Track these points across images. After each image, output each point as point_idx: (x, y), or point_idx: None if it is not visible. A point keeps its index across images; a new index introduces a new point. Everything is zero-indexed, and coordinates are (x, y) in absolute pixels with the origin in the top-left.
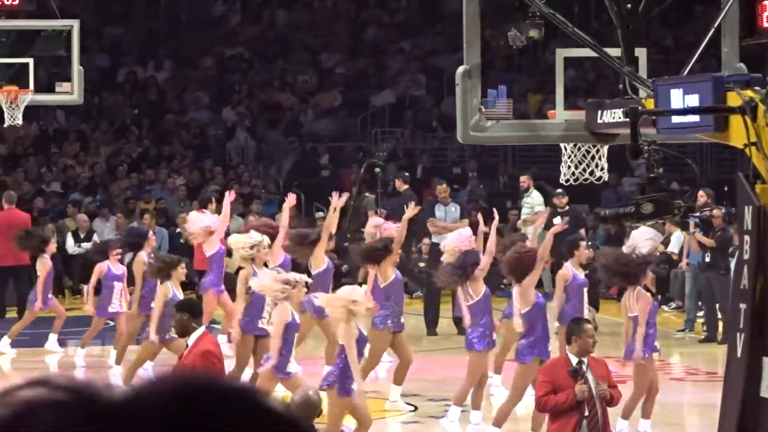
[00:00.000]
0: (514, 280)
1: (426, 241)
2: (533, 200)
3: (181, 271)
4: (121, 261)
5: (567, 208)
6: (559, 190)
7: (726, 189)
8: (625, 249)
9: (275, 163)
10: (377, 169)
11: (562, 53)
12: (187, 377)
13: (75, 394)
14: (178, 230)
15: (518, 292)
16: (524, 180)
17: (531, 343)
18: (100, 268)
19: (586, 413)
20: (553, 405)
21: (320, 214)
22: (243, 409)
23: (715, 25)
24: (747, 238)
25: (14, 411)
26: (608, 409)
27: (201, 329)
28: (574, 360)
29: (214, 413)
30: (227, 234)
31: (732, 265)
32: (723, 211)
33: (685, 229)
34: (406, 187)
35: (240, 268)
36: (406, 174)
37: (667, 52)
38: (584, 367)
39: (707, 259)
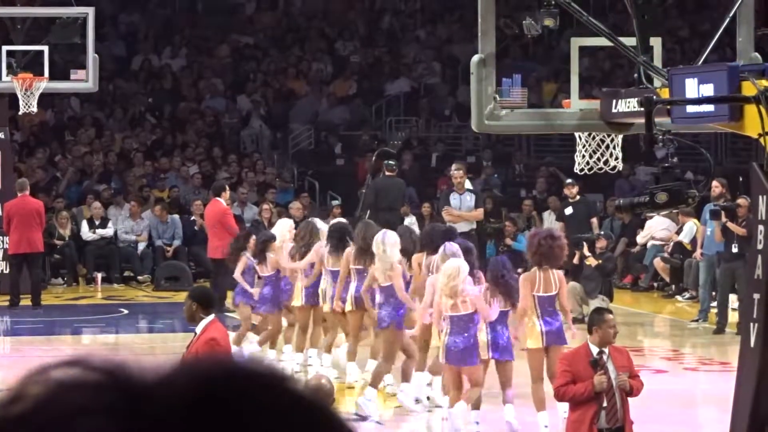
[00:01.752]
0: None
1: None
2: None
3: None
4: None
5: (578, 198)
6: (569, 180)
7: (741, 179)
8: (639, 239)
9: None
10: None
11: (577, 42)
12: (217, 360)
13: (107, 374)
14: (192, 218)
15: None
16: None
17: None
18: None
19: (605, 404)
20: (572, 395)
21: (335, 202)
22: (271, 395)
23: (731, 14)
24: (761, 227)
25: (47, 390)
26: (629, 399)
27: (209, 317)
28: (594, 350)
29: (242, 398)
30: (242, 220)
31: None
32: (749, 200)
33: (700, 219)
34: (391, 174)
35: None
36: (391, 163)
37: (682, 41)
38: (605, 358)
39: (734, 249)
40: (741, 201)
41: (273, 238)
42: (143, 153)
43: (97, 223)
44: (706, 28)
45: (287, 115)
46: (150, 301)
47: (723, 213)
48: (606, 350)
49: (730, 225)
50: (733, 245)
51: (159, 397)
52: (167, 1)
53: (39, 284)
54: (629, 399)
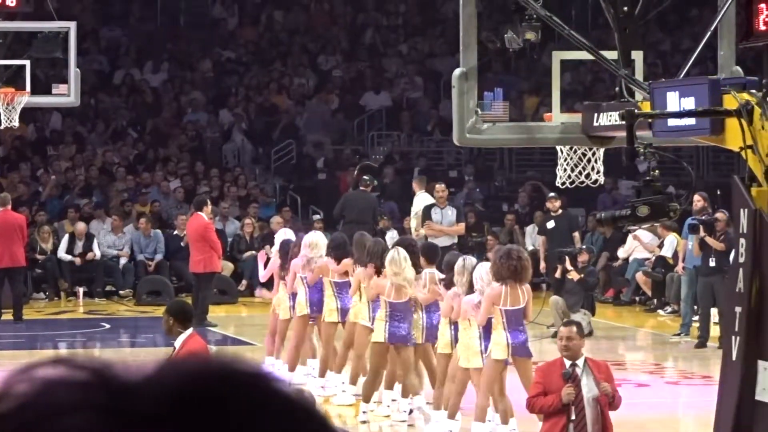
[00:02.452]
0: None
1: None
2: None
3: None
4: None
5: (560, 211)
6: (552, 194)
7: (721, 193)
8: (622, 253)
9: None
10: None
11: (558, 56)
12: (205, 359)
13: (93, 373)
14: (175, 232)
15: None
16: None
17: None
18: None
19: (573, 417)
20: (540, 407)
21: (317, 216)
22: (257, 393)
23: (712, 28)
24: (743, 241)
25: (33, 389)
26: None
27: (188, 332)
28: (567, 363)
29: (228, 396)
30: (224, 235)
31: None
32: (727, 215)
33: (681, 233)
34: (365, 189)
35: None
36: (366, 178)
37: (663, 55)
38: (578, 370)
39: (711, 264)
40: (719, 215)
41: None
42: (125, 167)
43: (80, 242)
44: (687, 42)
45: (269, 130)
46: (132, 316)
47: (701, 227)
48: (580, 363)
49: (708, 239)
50: (710, 259)
51: (146, 395)
52: (149, 15)
53: (21, 299)
54: (610, 413)
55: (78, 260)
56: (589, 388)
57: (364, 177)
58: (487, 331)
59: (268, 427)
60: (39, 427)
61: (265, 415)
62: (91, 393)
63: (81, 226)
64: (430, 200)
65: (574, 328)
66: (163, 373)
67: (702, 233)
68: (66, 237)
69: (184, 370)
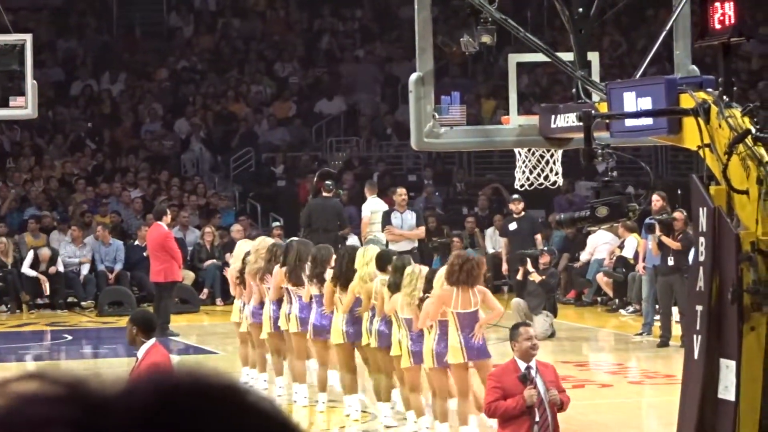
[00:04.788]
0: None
1: None
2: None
3: None
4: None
5: (523, 213)
6: (515, 196)
7: (681, 192)
8: (583, 257)
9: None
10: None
11: (515, 58)
12: (177, 372)
13: (68, 387)
14: (135, 242)
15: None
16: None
17: None
18: None
19: (537, 418)
20: (503, 411)
21: (276, 224)
22: (230, 406)
23: (667, 27)
24: (702, 239)
25: (7, 404)
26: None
27: (150, 342)
28: (522, 365)
29: (202, 409)
30: (184, 244)
31: None
32: (685, 214)
33: (641, 233)
34: (328, 195)
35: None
36: (329, 183)
37: (620, 56)
38: (533, 372)
39: (670, 263)
40: (677, 214)
41: None
42: (84, 179)
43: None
44: (643, 42)
45: (228, 138)
46: (94, 327)
47: (656, 226)
48: (533, 365)
49: (664, 239)
50: (669, 258)
51: (118, 409)
52: (105, 26)
53: None
54: (558, 414)
55: (43, 277)
56: (544, 390)
57: (327, 183)
58: (443, 335)
59: None
60: None
61: (239, 429)
62: (65, 408)
63: (45, 251)
64: (381, 205)
65: (532, 329)
66: (136, 389)
67: (658, 233)
68: (30, 253)
69: (158, 385)
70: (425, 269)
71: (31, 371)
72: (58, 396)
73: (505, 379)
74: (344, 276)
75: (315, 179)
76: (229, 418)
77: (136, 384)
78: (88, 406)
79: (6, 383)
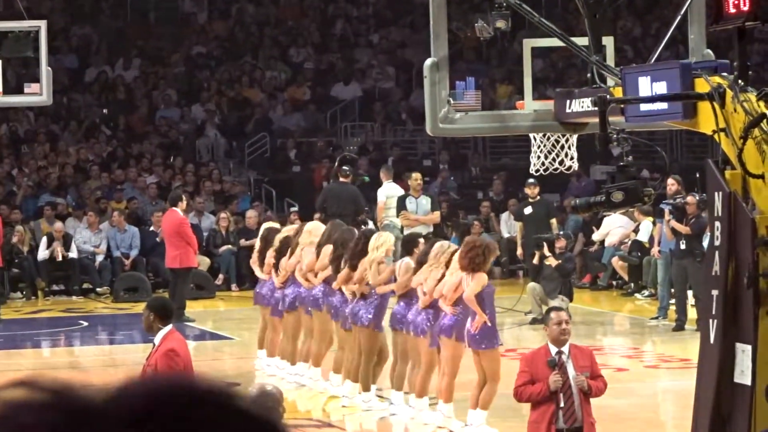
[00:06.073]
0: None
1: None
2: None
3: None
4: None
5: (538, 198)
6: (531, 180)
7: (697, 176)
8: (596, 237)
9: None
10: (366, 178)
11: (529, 43)
12: (163, 378)
13: (54, 394)
14: (151, 228)
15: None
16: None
17: None
18: None
19: (562, 404)
20: (528, 395)
21: (293, 209)
22: (215, 410)
23: (682, 12)
24: (718, 224)
25: None
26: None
27: (167, 328)
28: (553, 350)
29: (187, 414)
30: (199, 230)
31: None
32: (697, 198)
33: (656, 217)
34: (345, 180)
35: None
36: (345, 168)
37: (634, 40)
38: (564, 357)
39: (682, 246)
40: (689, 198)
41: None
42: (99, 165)
43: (58, 243)
44: (658, 26)
45: (242, 124)
46: (109, 313)
47: (666, 211)
48: (566, 350)
49: (674, 223)
50: (681, 242)
51: (102, 415)
52: (119, 12)
53: None
54: (591, 399)
55: (59, 256)
56: (573, 375)
57: (344, 168)
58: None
59: None
60: None
61: None
62: (49, 414)
63: (59, 225)
64: (397, 190)
65: (564, 314)
66: (123, 394)
67: (668, 217)
68: (44, 239)
69: (143, 390)
70: (453, 246)
71: (18, 378)
72: (43, 403)
73: (535, 364)
74: (358, 258)
75: (336, 164)
76: (215, 424)
77: (123, 389)
78: (71, 412)
79: None
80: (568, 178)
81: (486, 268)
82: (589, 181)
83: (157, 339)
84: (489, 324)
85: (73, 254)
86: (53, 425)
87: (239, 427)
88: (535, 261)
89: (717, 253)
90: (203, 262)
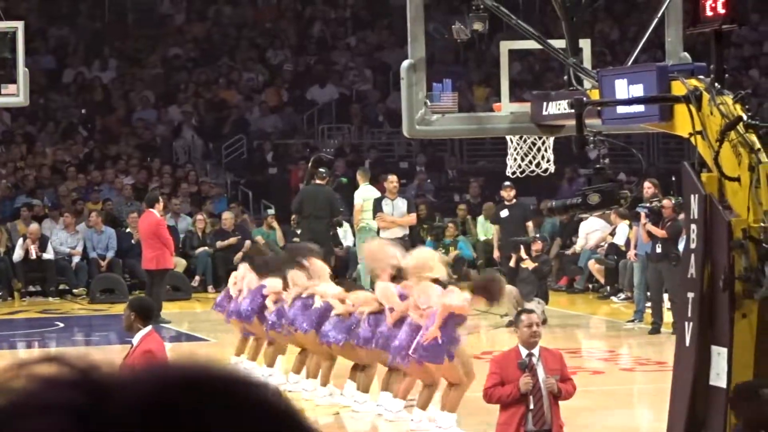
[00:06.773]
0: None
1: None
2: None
3: None
4: None
5: (514, 201)
6: (507, 183)
7: (673, 179)
8: (578, 247)
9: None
10: (344, 180)
11: (506, 46)
12: (182, 365)
13: (82, 374)
14: (127, 230)
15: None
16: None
17: None
18: None
19: (532, 406)
20: (498, 397)
21: (270, 211)
22: (232, 397)
23: (659, 14)
24: (694, 227)
25: (25, 387)
26: (559, 402)
27: (146, 329)
28: (524, 352)
29: (201, 400)
30: (176, 231)
31: None
32: (673, 201)
33: (633, 220)
34: (321, 182)
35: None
36: (321, 170)
37: (611, 43)
38: (534, 360)
39: (658, 250)
40: (665, 202)
41: None
42: (76, 166)
43: (34, 247)
44: (635, 29)
45: (219, 125)
46: (86, 314)
47: (642, 214)
48: (536, 352)
49: (649, 227)
50: (657, 246)
51: (121, 398)
52: (96, 13)
53: None
54: (560, 402)
55: (32, 254)
56: (543, 377)
57: (320, 170)
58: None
59: None
60: (11, 425)
61: (244, 422)
62: (74, 395)
63: (34, 227)
64: (373, 193)
65: (535, 316)
66: (143, 378)
67: (644, 220)
68: (20, 241)
69: (162, 376)
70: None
71: (50, 353)
72: (70, 381)
73: (505, 366)
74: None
75: (309, 165)
76: (232, 411)
77: (145, 373)
78: (93, 393)
79: (26, 364)
80: (557, 182)
81: (493, 303)
82: (580, 183)
83: (136, 339)
84: (440, 342)
85: (49, 255)
86: (77, 408)
87: (259, 416)
88: (512, 264)
89: (693, 256)
90: (179, 264)
